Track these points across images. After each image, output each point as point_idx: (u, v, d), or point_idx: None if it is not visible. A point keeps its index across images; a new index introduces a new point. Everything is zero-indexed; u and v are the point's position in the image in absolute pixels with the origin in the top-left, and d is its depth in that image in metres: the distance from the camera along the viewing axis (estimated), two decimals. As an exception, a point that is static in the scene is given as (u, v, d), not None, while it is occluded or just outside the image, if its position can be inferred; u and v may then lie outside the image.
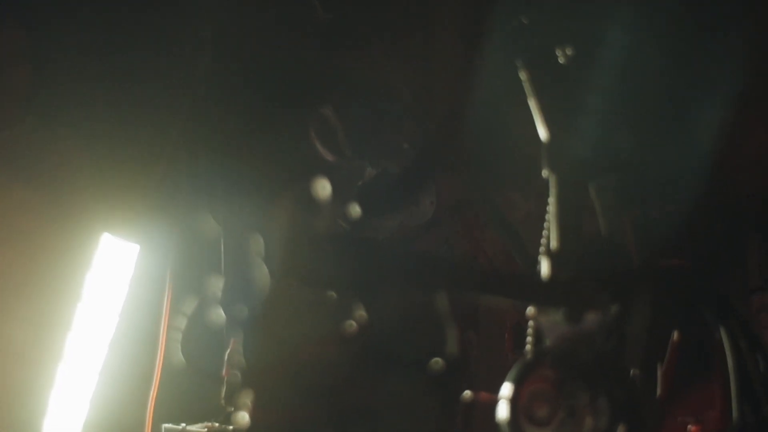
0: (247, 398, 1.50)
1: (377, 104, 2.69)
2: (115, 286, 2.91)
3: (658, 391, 1.86)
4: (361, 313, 1.42)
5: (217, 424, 2.58)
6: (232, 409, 1.89)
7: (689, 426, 2.16)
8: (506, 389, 1.64)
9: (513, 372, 1.66)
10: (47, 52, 3.02)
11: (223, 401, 2.47)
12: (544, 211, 1.84)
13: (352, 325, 1.42)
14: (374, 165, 2.64)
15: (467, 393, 1.72)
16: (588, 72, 2.26)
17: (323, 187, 1.27)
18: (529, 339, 1.85)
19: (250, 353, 1.54)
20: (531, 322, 1.84)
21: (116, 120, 2.93)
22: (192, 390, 2.74)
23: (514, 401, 1.64)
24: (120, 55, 2.96)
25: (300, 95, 2.61)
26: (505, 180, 2.92)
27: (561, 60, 1.82)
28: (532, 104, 1.80)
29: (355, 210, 1.68)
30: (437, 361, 1.64)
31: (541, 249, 1.81)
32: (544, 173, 1.80)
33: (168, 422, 2.75)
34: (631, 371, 1.76)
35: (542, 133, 1.80)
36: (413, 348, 1.67)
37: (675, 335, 1.91)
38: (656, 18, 2.44)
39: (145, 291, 2.89)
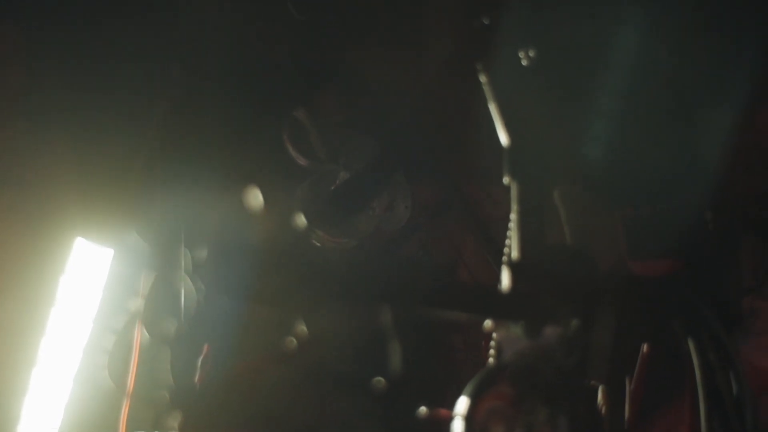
0: (175, 420, 1.44)
1: (352, 106, 2.64)
2: (89, 290, 2.87)
3: (626, 407, 1.79)
4: (301, 328, 1.36)
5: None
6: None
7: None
8: (462, 405, 1.58)
9: (469, 387, 1.60)
10: (37, 55, 3.00)
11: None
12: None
13: (292, 341, 1.36)
14: (348, 168, 2.58)
15: (423, 409, 1.66)
16: (579, 71, 2.21)
17: (255, 197, 1.21)
18: (491, 352, 1.79)
19: (178, 372, 1.48)
20: (494, 335, 1.78)
21: (92, 125, 2.90)
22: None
23: (469, 418, 1.58)
24: (100, 60, 2.93)
25: (273, 100, 2.56)
26: (489, 175, 2.85)
27: (524, 62, 1.75)
28: (493, 109, 1.73)
29: (301, 220, 1.62)
30: (379, 380, 1.58)
31: (504, 259, 1.75)
32: (505, 180, 1.73)
33: (141, 429, 2.70)
34: (598, 387, 1.70)
35: (503, 138, 1.74)
36: (357, 366, 1.61)
37: (645, 348, 1.85)
38: (662, 15, 2.38)
39: (120, 296, 2.85)
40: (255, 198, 1.21)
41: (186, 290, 1.21)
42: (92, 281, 2.88)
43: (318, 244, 2.57)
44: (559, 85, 2.31)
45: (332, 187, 2.54)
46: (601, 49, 2.31)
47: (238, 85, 2.57)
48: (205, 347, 2.39)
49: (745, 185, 2.83)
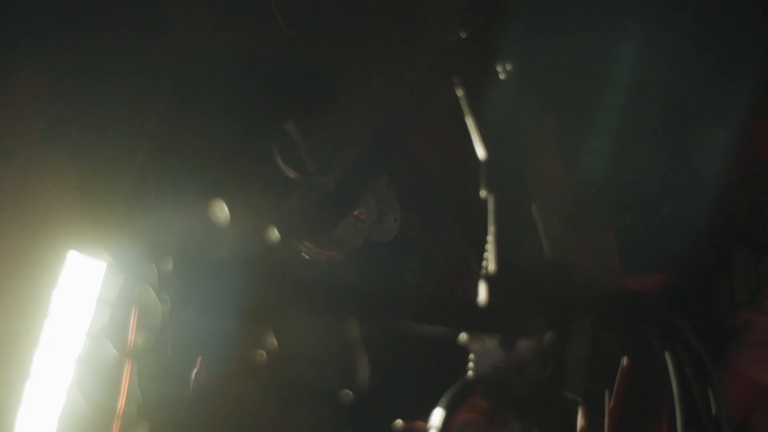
0: (143, 434, 1.45)
1: (343, 116, 2.65)
2: (82, 303, 2.88)
3: (605, 421, 1.78)
4: (271, 341, 1.36)
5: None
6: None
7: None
8: (436, 418, 1.58)
9: (443, 400, 1.60)
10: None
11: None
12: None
13: (262, 354, 1.36)
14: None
15: (399, 422, 1.66)
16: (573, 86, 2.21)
17: (221, 209, 1.22)
18: (469, 365, 1.79)
19: (146, 385, 1.48)
20: (471, 347, 1.78)
21: (85, 138, 2.91)
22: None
23: (444, 430, 1.58)
24: (93, 74, 2.95)
25: (263, 112, 2.58)
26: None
27: (501, 76, 1.76)
28: (469, 122, 1.74)
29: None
30: (347, 393, 1.58)
31: (481, 272, 1.75)
32: (482, 194, 1.74)
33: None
34: (574, 400, 1.69)
35: (480, 152, 1.74)
36: (330, 379, 1.61)
37: (624, 362, 1.84)
38: (658, 30, 2.39)
39: (113, 309, 2.86)
40: (221, 211, 1.21)
41: (153, 303, 1.21)
42: (85, 294, 2.90)
43: (307, 257, 2.57)
44: (555, 98, 2.31)
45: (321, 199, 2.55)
46: (596, 62, 2.31)
47: (228, 98, 2.59)
48: (199, 360, 2.40)
49: (738, 197, 2.82)
